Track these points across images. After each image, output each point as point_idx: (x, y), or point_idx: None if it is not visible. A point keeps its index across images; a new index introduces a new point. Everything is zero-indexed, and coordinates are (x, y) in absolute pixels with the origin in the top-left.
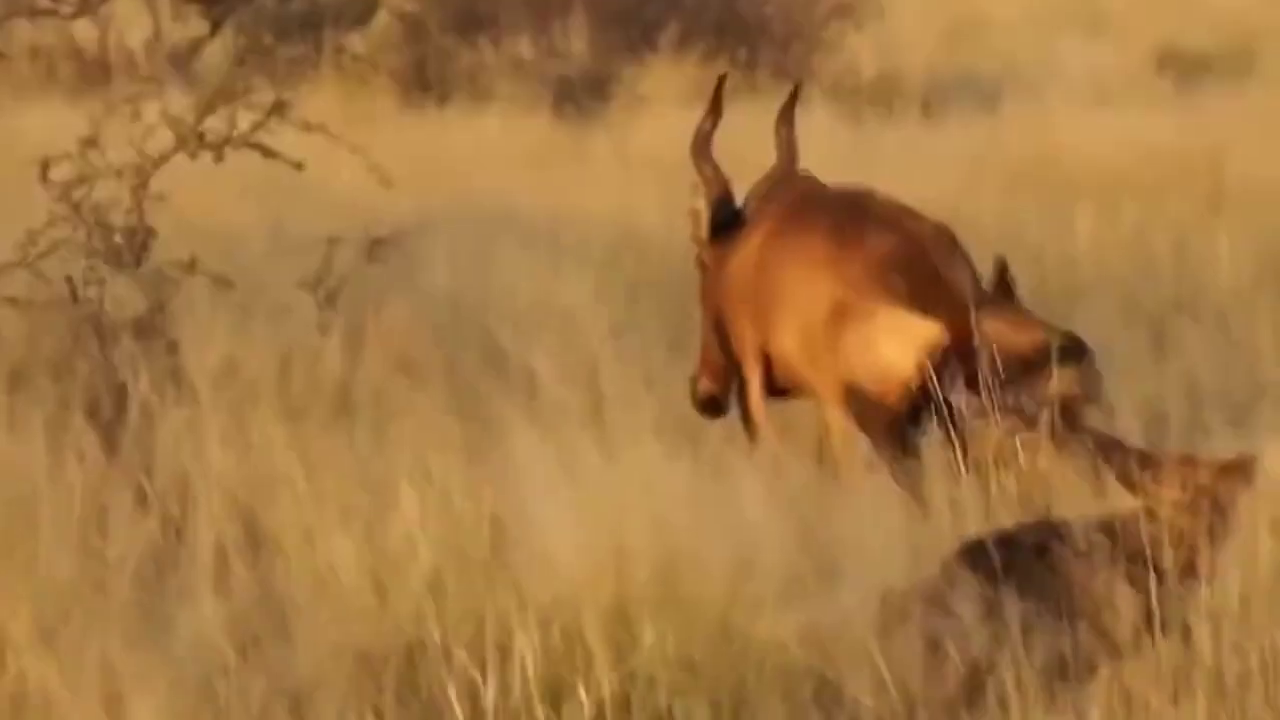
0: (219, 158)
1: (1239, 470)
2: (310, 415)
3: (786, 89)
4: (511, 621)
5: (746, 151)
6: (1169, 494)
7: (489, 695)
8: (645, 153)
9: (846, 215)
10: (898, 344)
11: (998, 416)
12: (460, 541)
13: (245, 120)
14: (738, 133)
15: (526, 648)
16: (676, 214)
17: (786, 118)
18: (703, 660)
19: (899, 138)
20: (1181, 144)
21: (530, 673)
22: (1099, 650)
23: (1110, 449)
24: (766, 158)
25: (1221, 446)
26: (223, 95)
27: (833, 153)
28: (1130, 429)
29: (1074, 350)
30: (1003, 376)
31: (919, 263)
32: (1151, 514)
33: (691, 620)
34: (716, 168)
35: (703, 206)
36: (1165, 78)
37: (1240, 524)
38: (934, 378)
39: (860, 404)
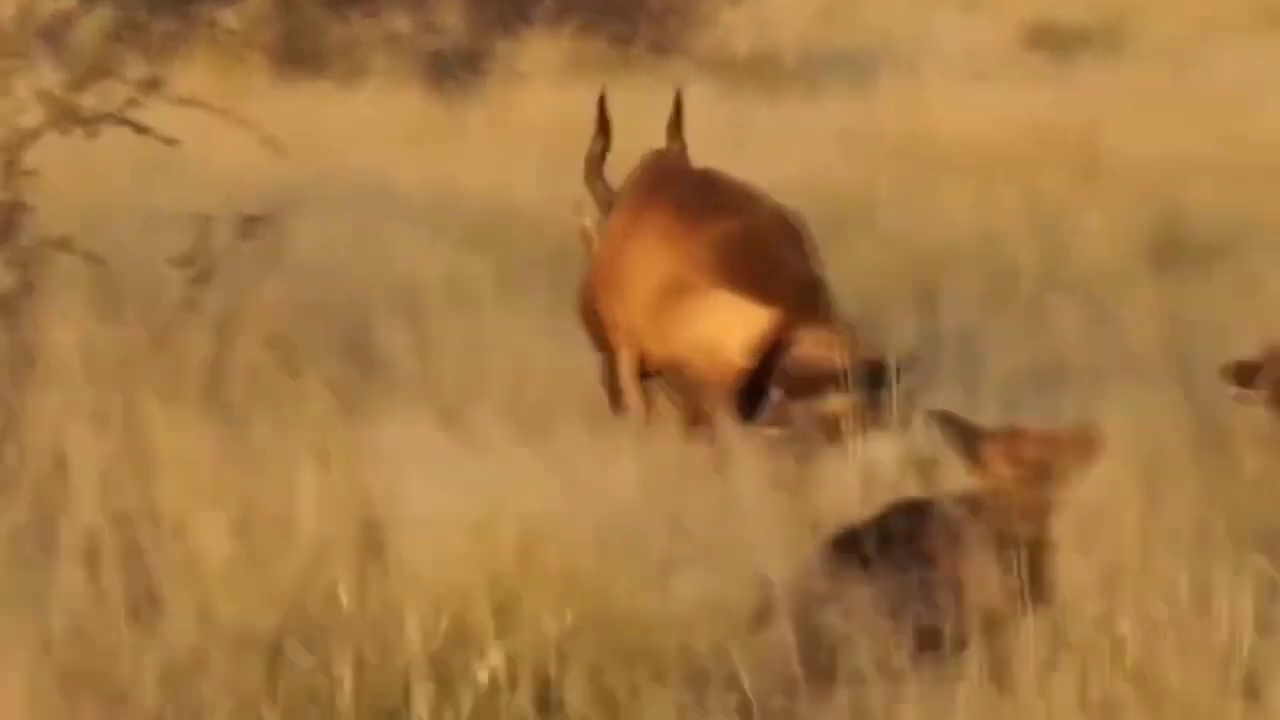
0: (92, 133)
1: (1075, 442)
2: (182, 394)
3: (663, 64)
4: (394, 599)
5: (622, 127)
6: (1004, 469)
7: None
8: (522, 127)
9: (695, 193)
10: (728, 327)
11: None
12: (338, 520)
13: (118, 96)
14: (614, 106)
15: (413, 626)
16: (554, 188)
17: (674, 130)
18: (583, 639)
19: (774, 113)
20: (1055, 119)
21: (417, 650)
22: (969, 625)
23: (948, 425)
24: (642, 133)
25: (1090, 418)
26: (95, 70)
27: (708, 129)
28: (995, 404)
29: (875, 375)
30: (793, 385)
31: (761, 249)
32: (997, 490)
33: (569, 599)
34: (608, 188)
35: (592, 226)
36: (1039, 53)
37: (1100, 493)
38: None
39: (687, 380)
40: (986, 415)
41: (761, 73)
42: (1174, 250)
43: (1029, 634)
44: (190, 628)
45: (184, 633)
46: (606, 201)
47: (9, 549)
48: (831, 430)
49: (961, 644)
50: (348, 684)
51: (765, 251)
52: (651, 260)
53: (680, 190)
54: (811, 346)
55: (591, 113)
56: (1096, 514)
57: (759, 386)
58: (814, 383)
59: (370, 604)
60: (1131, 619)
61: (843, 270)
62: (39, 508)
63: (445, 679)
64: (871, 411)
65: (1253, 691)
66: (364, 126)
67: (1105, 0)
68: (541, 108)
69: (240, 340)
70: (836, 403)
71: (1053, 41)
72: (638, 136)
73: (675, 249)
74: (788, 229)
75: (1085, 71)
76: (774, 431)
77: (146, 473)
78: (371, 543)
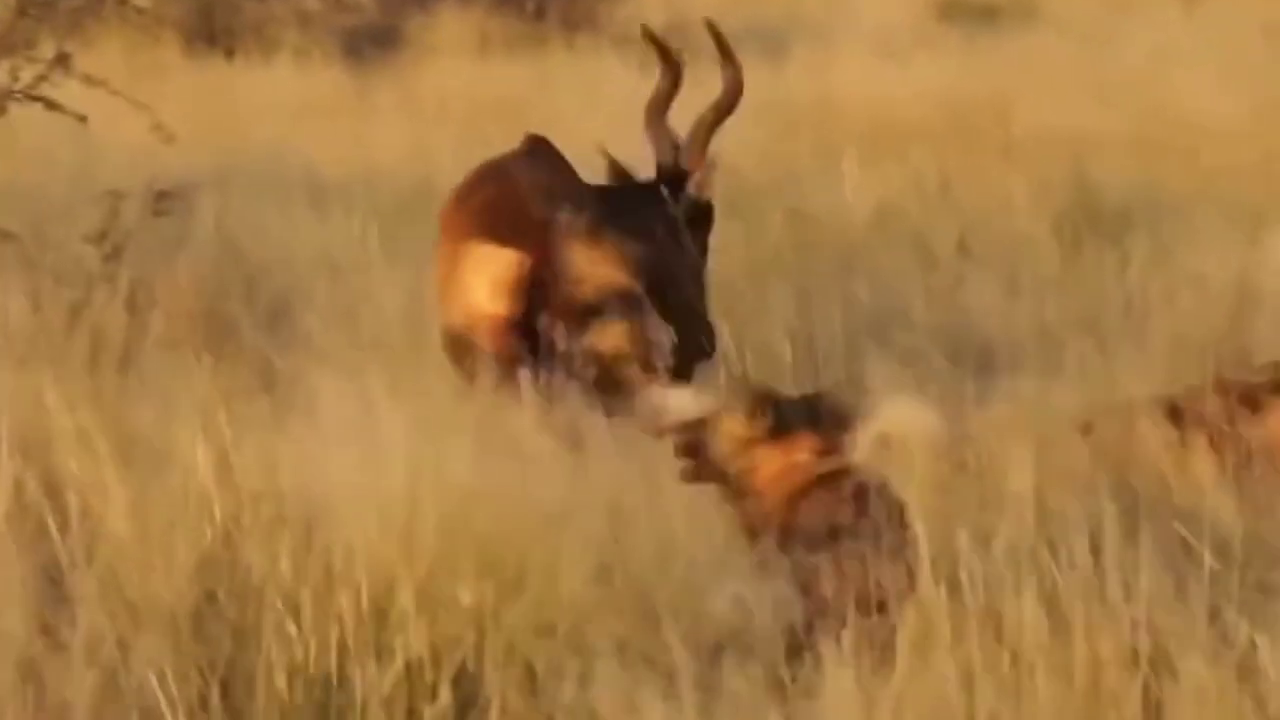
0: (1, 110)
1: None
2: (95, 369)
3: (575, 39)
4: (305, 578)
5: (532, 101)
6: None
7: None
8: (434, 103)
9: (474, 176)
10: (478, 276)
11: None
12: (248, 497)
13: (28, 73)
14: (528, 83)
15: (333, 605)
16: (468, 162)
17: (655, 113)
18: (505, 618)
19: (686, 85)
20: (967, 92)
21: (346, 631)
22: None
23: (760, 404)
24: (551, 107)
25: (1006, 388)
26: (4, 47)
27: (621, 102)
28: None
29: (633, 304)
30: (563, 313)
31: (508, 201)
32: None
33: (491, 576)
34: (671, 133)
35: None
36: (950, 26)
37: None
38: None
39: (456, 346)
40: (898, 390)
41: (673, 46)
42: (1085, 222)
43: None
44: (99, 605)
45: (95, 611)
46: (670, 146)
47: None
48: (609, 375)
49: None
50: (275, 657)
51: (516, 205)
52: (439, 251)
53: (467, 179)
54: (588, 264)
55: (503, 86)
56: (994, 488)
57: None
58: (585, 309)
59: (290, 579)
60: (1033, 593)
61: (755, 243)
62: None
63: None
64: (654, 348)
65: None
66: (276, 103)
67: None
68: (454, 83)
69: (153, 315)
70: (610, 334)
71: (964, 15)
72: (548, 111)
73: (447, 229)
74: (564, 185)
75: (997, 45)
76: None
77: (59, 449)
78: (289, 518)
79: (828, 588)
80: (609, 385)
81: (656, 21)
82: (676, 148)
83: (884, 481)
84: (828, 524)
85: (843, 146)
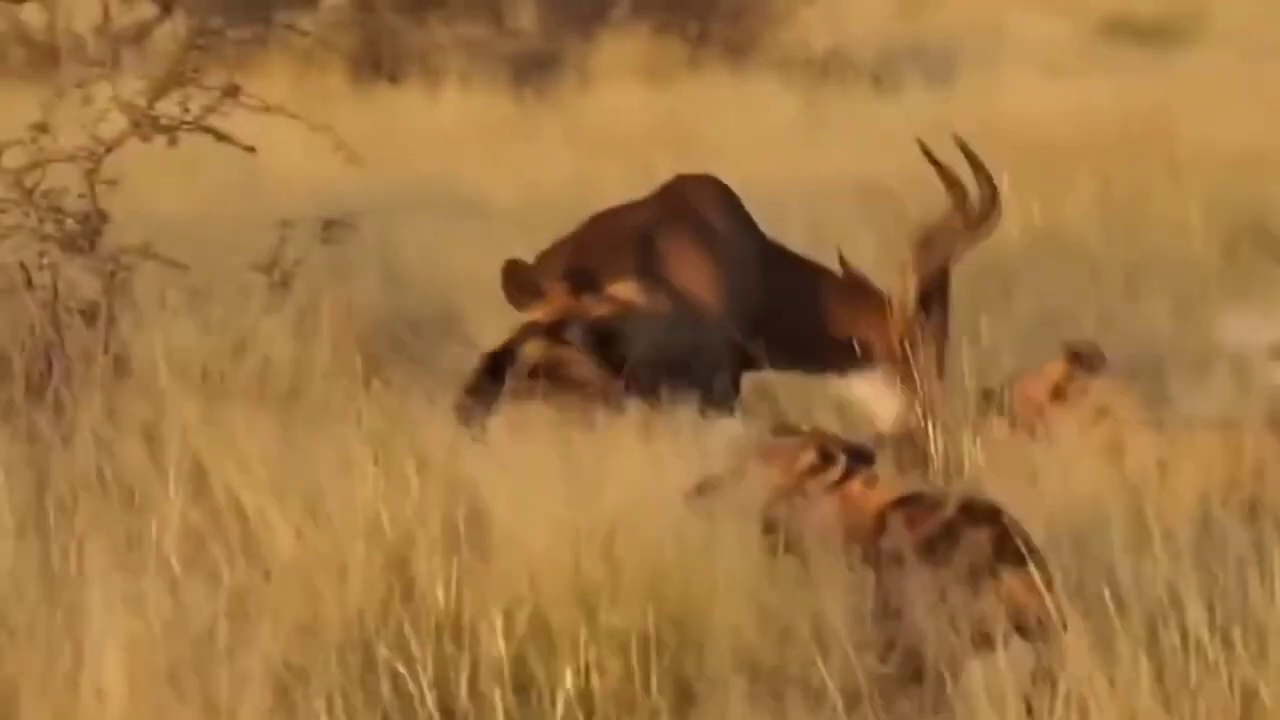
0: (172, 141)
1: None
2: (264, 397)
3: (738, 63)
4: (478, 606)
5: (696, 126)
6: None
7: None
8: (598, 128)
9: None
10: None
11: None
12: (421, 524)
13: (197, 103)
14: (691, 107)
15: (493, 635)
16: (631, 187)
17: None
18: (661, 645)
19: (850, 110)
20: (1133, 109)
21: (499, 659)
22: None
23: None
24: (715, 133)
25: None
26: (174, 78)
27: (785, 126)
28: None
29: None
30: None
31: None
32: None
33: (648, 605)
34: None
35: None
36: (1116, 45)
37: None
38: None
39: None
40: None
41: (837, 70)
42: (1255, 241)
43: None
44: (273, 627)
45: (273, 632)
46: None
47: (109, 554)
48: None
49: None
50: (426, 682)
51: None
52: None
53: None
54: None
55: (667, 112)
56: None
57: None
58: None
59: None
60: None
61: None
62: (132, 512)
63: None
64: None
65: None
66: (441, 130)
67: None
68: (617, 108)
69: (322, 343)
70: (533, 346)
71: (1130, 32)
72: (711, 135)
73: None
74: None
75: (1163, 61)
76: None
77: (238, 476)
78: (456, 547)
79: (983, 613)
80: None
81: (819, 46)
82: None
83: (997, 506)
84: (964, 553)
85: (1011, 167)
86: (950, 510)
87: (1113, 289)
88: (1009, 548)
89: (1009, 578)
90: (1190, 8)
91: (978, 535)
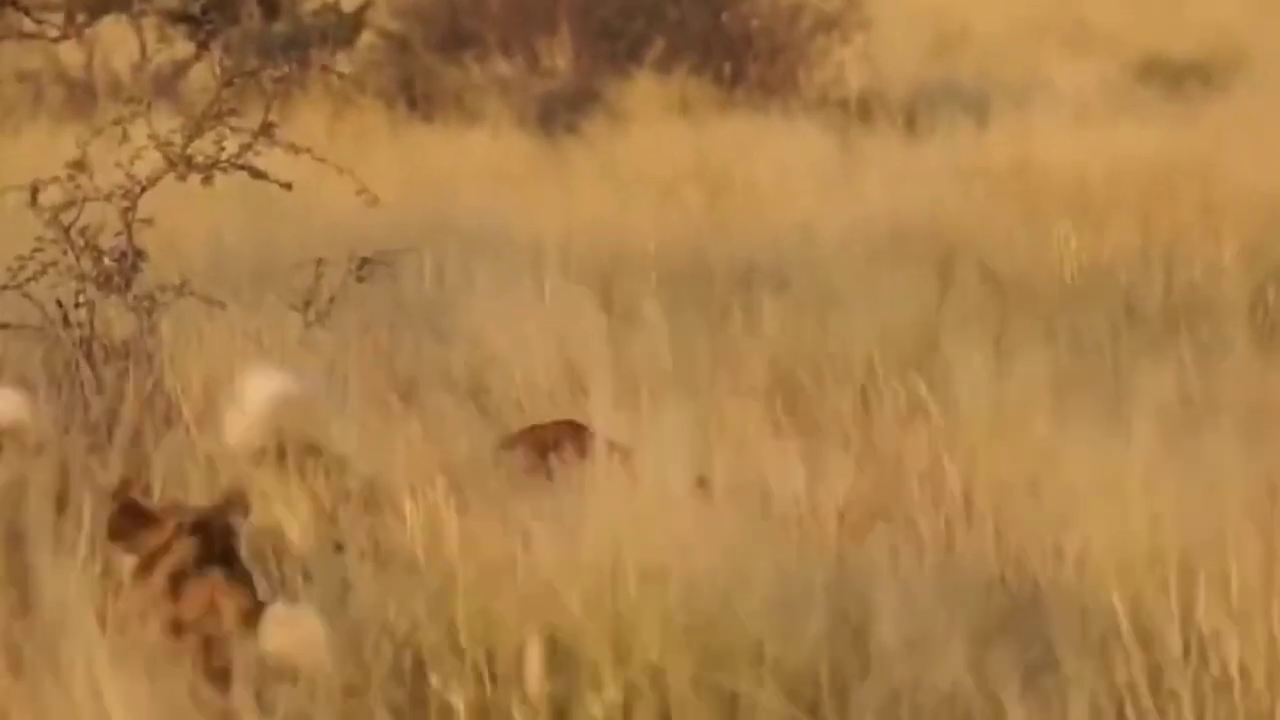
0: (208, 180)
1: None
2: None
3: (773, 104)
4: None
5: (729, 166)
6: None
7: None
8: (632, 168)
9: None
10: None
11: None
12: (460, 560)
13: (233, 142)
14: (725, 147)
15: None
16: (664, 226)
17: None
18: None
19: (884, 151)
20: (1168, 152)
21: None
22: None
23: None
24: (749, 172)
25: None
26: (210, 117)
27: (819, 166)
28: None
29: None
30: None
31: None
32: None
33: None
34: None
35: None
36: (1150, 88)
37: None
38: None
39: None
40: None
41: (870, 111)
42: None
43: None
44: None
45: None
46: None
47: None
48: None
49: None
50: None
51: None
52: None
53: None
54: None
55: (701, 151)
56: None
57: None
58: None
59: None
60: None
61: (955, 303)
62: None
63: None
64: None
65: None
66: (475, 169)
67: (1216, 35)
68: (651, 148)
69: (356, 381)
70: None
71: (1165, 75)
72: (745, 176)
73: None
74: None
75: (1199, 105)
76: None
77: (262, 512)
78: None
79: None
80: None
81: (854, 86)
82: None
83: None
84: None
85: (1045, 211)
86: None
87: (1148, 334)
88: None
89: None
90: (1226, 51)
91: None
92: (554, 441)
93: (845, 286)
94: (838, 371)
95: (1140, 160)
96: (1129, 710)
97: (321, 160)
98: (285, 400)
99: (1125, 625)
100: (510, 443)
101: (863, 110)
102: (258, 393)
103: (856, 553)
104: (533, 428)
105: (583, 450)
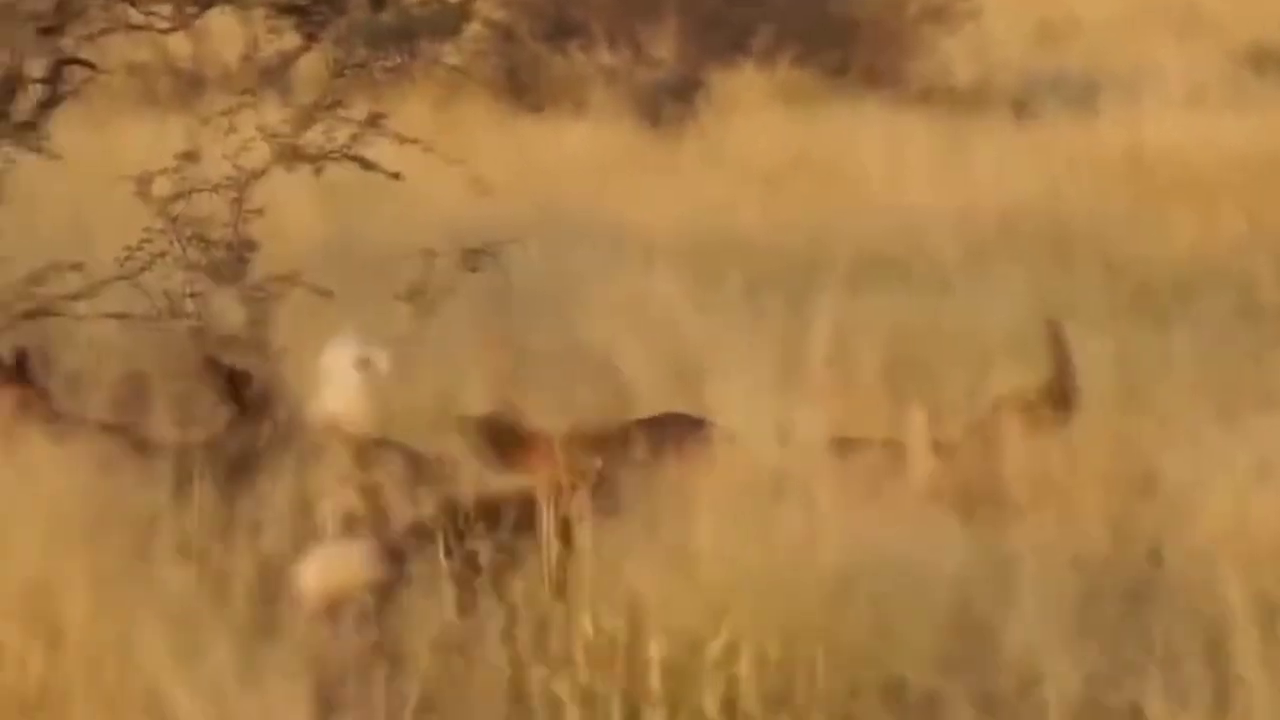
0: (317, 170)
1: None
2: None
3: (879, 93)
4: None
5: (836, 155)
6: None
7: None
8: (739, 157)
9: None
10: None
11: None
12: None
13: (343, 133)
14: (830, 138)
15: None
16: (770, 217)
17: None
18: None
19: (992, 140)
20: (1277, 143)
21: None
22: None
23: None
24: (855, 162)
25: None
26: (319, 107)
27: (926, 155)
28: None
29: None
30: None
31: None
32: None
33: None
34: None
35: None
36: (1262, 77)
37: None
38: None
39: None
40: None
41: (978, 100)
42: None
43: None
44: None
45: None
46: None
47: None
48: None
49: None
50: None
51: None
52: None
53: None
54: None
55: (806, 141)
56: None
57: None
58: None
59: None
60: None
61: (1070, 295)
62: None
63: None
64: None
65: None
66: (582, 158)
67: None
68: (756, 137)
69: (467, 372)
70: None
71: (1275, 62)
72: (850, 166)
73: None
74: None
75: None
76: None
77: None
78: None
79: None
80: None
81: (963, 76)
82: None
83: None
84: None
85: (1156, 200)
86: None
87: (1270, 324)
88: None
89: None
90: None
91: None
92: (667, 433)
93: (959, 275)
94: (957, 359)
95: (1249, 147)
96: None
97: (430, 150)
98: (366, 364)
99: (1244, 617)
100: (622, 435)
101: (970, 99)
102: (337, 361)
103: (982, 541)
104: (644, 419)
105: (696, 441)
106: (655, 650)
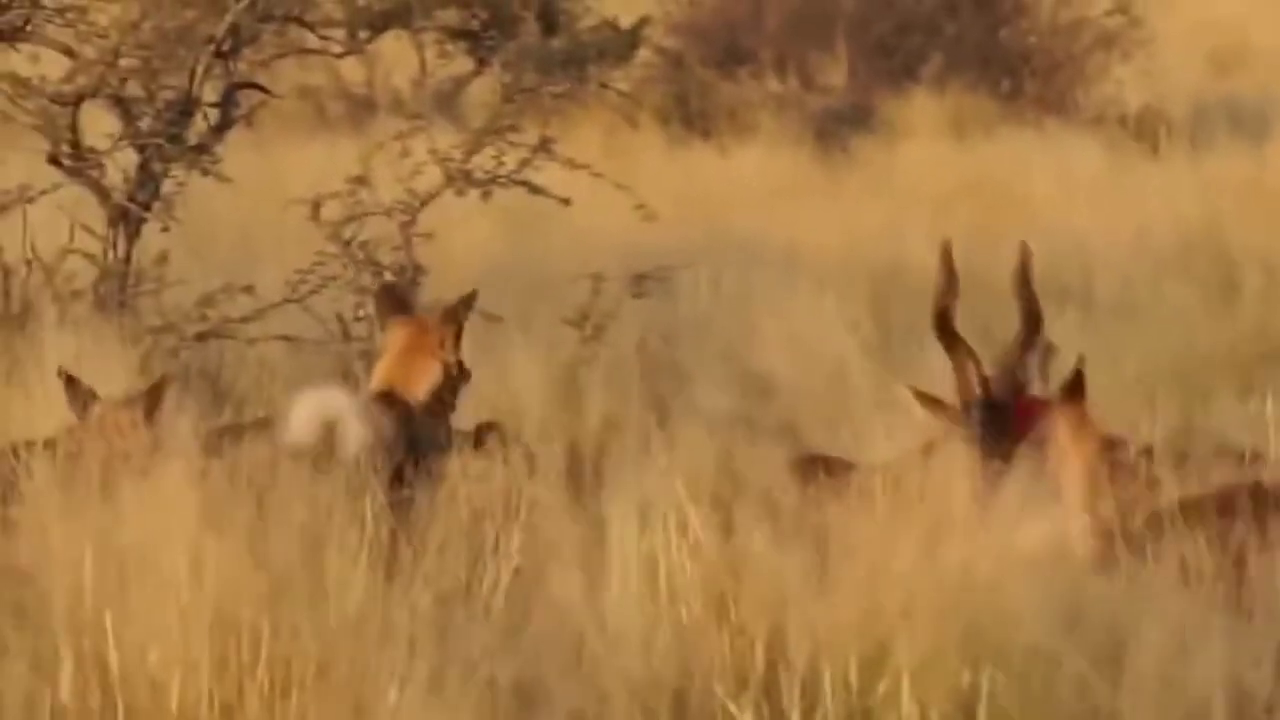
0: (486, 195)
1: None
2: (574, 453)
3: (1050, 120)
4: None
5: (1005, 181)
6: None
7: None
8: (907, 183)
9: None
10: None
11: None
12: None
13: (512, 157)
14: (1000, 163)
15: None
16: (939, 242)
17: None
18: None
19: (1165, 168)
20: None
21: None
22: None
23: None
24: (1024, 188)
25: None
26: (489, 133)
27: (1097, 183)
28: None
29: None
30: None
31: None
32: None
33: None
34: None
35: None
36: None
37: None
38: None
39: None
40: None
41: (1150, 128)
42: None
43: None
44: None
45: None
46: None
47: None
48: None
49: None
50: None
51: None
52: None
53: None
54: None
55: (976, 167)
56: None
57: None
58: None
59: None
60: None
61: (1239, 321)
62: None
63: None
64: None
65: None
66: (751, 185)
67: None
68: (927, 164)
69: (631, 396)
70: None
71: None
72: (1021, 193)
73: None
74: None
75: None
76: None
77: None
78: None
79: None
80: None
81: (1133, 103)
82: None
83: None
84: None
85: None
86: None
87: None
88: None
89: None
90: None
91: None
92: (820, 474)
93: (1133, 301)
94: (1139, 387)
95: None
96: None
97: (599, 176)
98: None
99: None
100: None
101: (1141, 127)
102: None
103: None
104: (802, 458)
105: (846, 484)
106: None
